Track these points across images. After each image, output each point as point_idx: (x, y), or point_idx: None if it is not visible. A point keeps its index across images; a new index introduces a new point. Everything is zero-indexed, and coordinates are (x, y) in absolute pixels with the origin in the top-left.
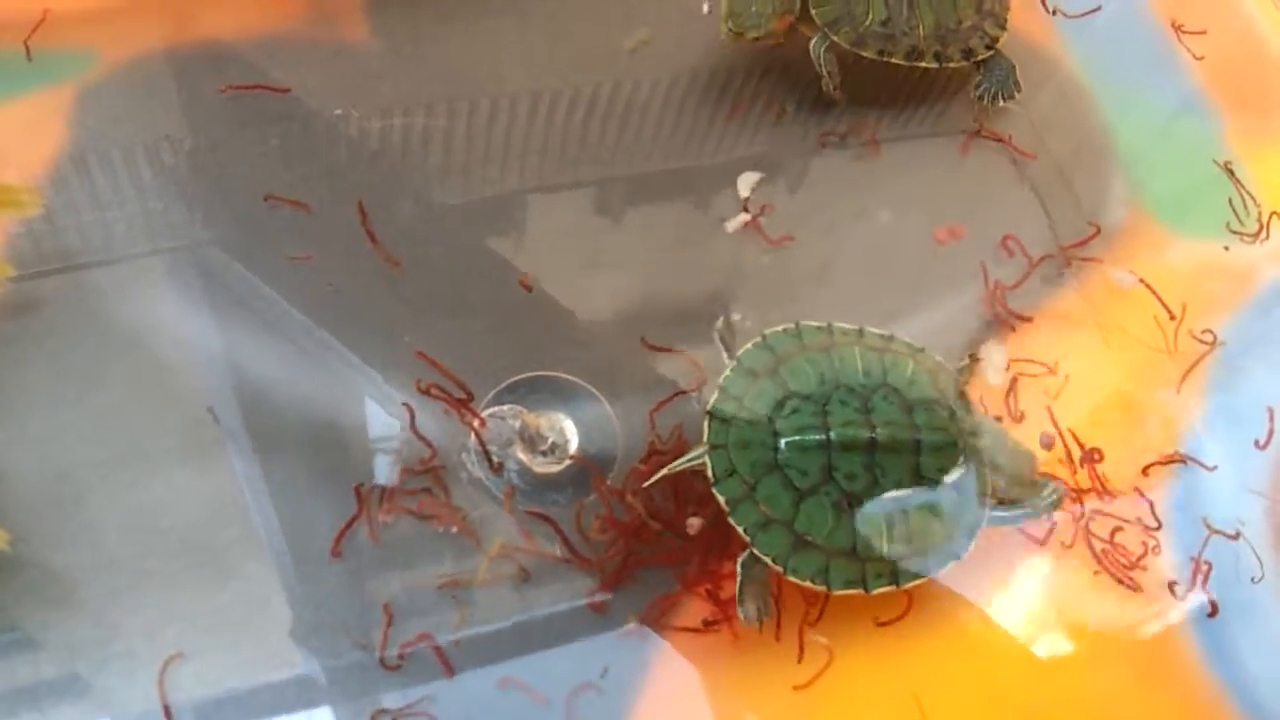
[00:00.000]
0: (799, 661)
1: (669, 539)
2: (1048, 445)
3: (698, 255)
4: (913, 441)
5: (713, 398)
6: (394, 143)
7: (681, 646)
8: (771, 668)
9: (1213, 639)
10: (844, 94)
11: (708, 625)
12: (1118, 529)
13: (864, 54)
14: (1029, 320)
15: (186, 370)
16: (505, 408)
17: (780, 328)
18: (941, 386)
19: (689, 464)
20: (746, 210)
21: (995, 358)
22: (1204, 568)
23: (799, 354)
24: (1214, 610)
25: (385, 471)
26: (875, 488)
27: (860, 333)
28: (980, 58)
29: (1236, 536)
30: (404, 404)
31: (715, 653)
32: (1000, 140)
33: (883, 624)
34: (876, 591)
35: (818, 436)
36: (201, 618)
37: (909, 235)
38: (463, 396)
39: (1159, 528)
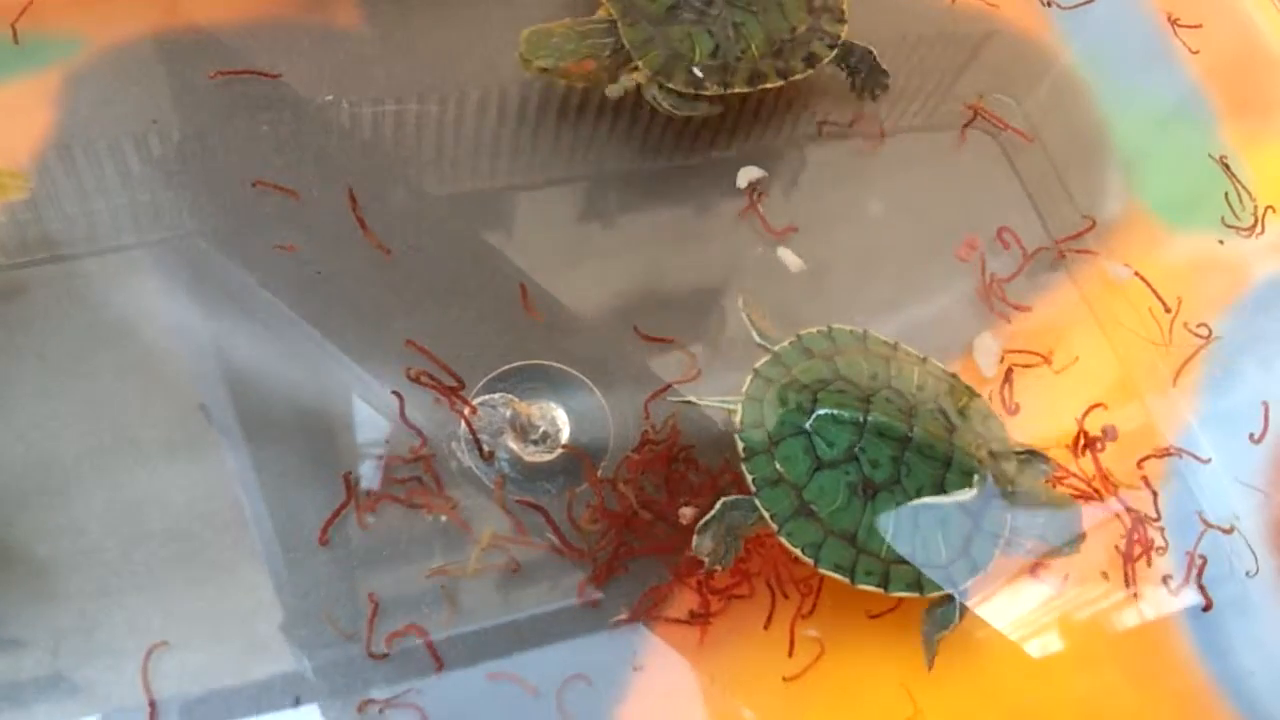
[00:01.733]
0: (790, 654)
1: (661, 529)
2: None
3: (693, 246)
4: (946, 455)
5: (762, 360)
6: (385, 130)
7: (673, 638)
8: (763, 659)
9: (1206, 634)
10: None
11: (693, 617)
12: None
13: (706, 93)
14: (1026, 310)
15: (174, 359)
16: (496, 396)
17: (848, 327)
18: (989, 429)
19: (720, 405)
20: (750, 200)
21: (990, 349)
22: (1198, 562)
23: (859, 352)
24: (1208, 605)
25: (374, 460)
26: (896, 485)
27: (924, 359)
28: (827, 59)
29: (1231, 531)
30: (394, 392)
31: (707, 644)
32: (999, 125)
33: (874, 616)
34: (861, 587)
35: (855, 415)
36: (187, 608)
37: (905, 227)
38: (453, 385)
39: (1157, 518)
